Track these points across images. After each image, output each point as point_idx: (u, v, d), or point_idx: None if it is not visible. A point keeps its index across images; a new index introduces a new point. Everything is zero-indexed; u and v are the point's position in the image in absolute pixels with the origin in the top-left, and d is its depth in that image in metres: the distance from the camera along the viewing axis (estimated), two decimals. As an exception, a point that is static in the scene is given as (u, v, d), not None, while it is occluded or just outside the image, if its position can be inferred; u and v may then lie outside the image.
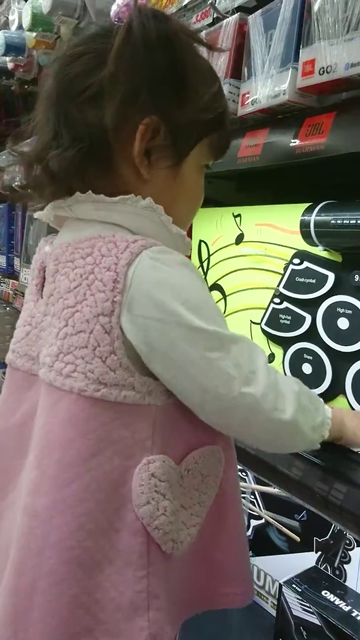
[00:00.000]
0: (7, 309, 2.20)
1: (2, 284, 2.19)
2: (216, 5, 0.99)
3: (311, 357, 0.92)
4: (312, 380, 0.93)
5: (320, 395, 0.91)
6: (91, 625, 0.53)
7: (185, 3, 1.09)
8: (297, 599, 0.92)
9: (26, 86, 2.24)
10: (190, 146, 0.60)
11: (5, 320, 2.11)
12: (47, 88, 0.58)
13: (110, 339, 0.53)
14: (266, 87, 0.82)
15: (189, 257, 1.26)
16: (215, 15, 0.99)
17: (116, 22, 0.56)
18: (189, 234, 1.27)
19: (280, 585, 0.95)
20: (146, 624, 0.54)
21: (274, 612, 1.02)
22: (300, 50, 0.76)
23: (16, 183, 2.01)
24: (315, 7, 0.73)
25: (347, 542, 1.00)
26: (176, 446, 0.59)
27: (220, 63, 0.94)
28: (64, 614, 0.52)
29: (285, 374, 0.98)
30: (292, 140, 0.80)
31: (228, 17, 0.94)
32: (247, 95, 0.88)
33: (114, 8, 0.56)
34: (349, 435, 0.67)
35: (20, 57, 2.01)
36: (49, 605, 0.53)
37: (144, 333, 0.53)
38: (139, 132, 0.56)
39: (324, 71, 0.71)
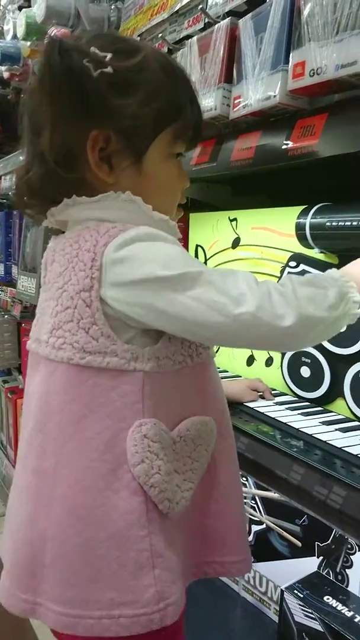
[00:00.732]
0: (5, 316, 2.19)
1: (0, 292, 2.19)
2: (207, 10, 0.99)
3: (309, 360, 0.92)
4: (311, 384, 0.92)
5: (319, 398, 0.91)
6: (95, 577, 0.58)
7: (177, 9, 1.10)
8: (299, 604, 0.91)
9: (22, 95, 2.25)
10: (146, 143, 0.63)
11: (4, 328, 2.11)
12: (25, 120, 0.66)
13: (90, 311, 0.59)
14: (257, 90, 0.82)
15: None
16: (206, 20, 1.00)
17: None
18: (185, 239, 1.28)
19: (282, 592, 0.94)
20: (152, 581, 0.58)
21: (276, 619, 1.01)
22: (291, 53, 0.76)
23: (13, 191, 2.01)
24: (305, 10, 0.73)
25: (349, 546, 0.99)
26: (168, 414, 0.63)
27: (214, 68, 0.94)
28: (68, 559, 0.58)
29: (284, 378, 0.97)
30: (285, 143, 0.80)
31: (219, 22, 0.94)
32: (238, 99, 0.88)
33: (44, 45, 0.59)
34: None
35: (16, 67, 2.02)
36: (56, 550, 0.59)
37: (130, 299, 0.58)
38: (89, 147, 0.61)
39: (314, 73, 0.71)
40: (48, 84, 0.59)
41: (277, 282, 0.60)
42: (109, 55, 0.60)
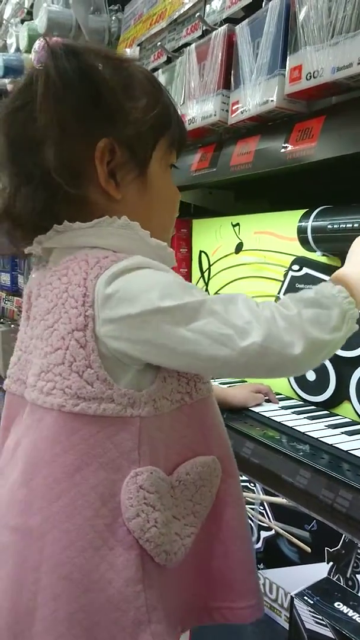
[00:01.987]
0: (12, 326, 2.21)
1: (7, 302, 2.21)
2: (205, 17, 1.00)
3: (314, 364, 0.91)
4: (316, 387, 0.92)
5: (325, 401, 0.90)
6: None
7: (175, 17, 1.11)
8: (310, 611, 0.90)
9: None
10: (149, 152, 0.61)
11: (11, 337, 2.12)
12: (1, 145, 0.60)
13: (85, 352, 0.54)
14: (255, 95, 0.82)
15: (189, 268, 1.26)
16: (204, 28, 1.00)
17: (39, 67, 0.57)
18: (189, 245, 1.28)
19: (292, 598, 0.93)
20: (150, 637, 0.54)
21: (287, 626, 1.00)
22: (287, 57, 0.77)
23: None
24: (300, 15, 0.73)
25: (359, 551, 0.98)
26: (167, 456, 0.59)
27: (212, 75, 0.95)
28: (61, 629, 0.52)
29: (290, 382, 0.97)
30: (283, 146, 0.80)
31: (217, 29, 0.95)
32: (236, 104, 0.88)
33: (33, 54, 0.58)
34: None
35: (19, 79, 2.04)
36: (47, 619, 0.53)
37: (127, 335, 0.54)
38: (97, 159, 0.57)
39: (311, 76, 0.71)
40: (57, 88, 0.54)
41: (277, 302, 0.57)
42: (108, 59, 0.58)
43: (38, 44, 0.52)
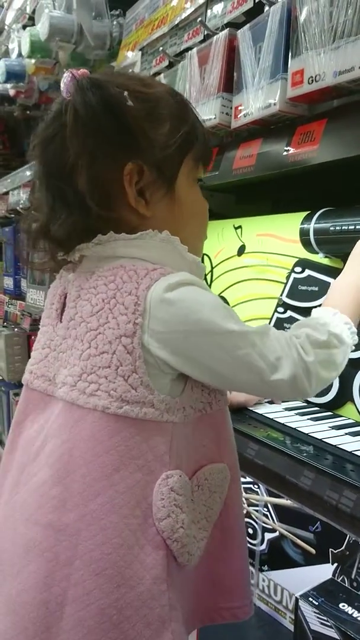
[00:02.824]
0: (15, 329, 2.21)
1: (10, 305, 2.21)
2: (207, 22, 1.01)
3: (317, 365, 0.91)
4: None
5: (328, 403, 0.90)
6: None
7: (177, 22, 1.12)
8: (315, 612, 0.90)
9: (28, 111, 2.29)
10: (176, 169, 0.63)
11: (14, 341, 2.12)
12: (35, 171, 0.65)
13: (132, 358, 0.57)
14: (257, 98, 0.83)
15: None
16: (205, 32, 1.01)
17: (67, 97, 0.59)
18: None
19: (297, 599, 0.93)
20: (171, 636, 0.56)
21: (292, 628, 1.00)
22: (289, 61, 0.77)
23: (21, 205, 2.04)
24: (302, 19, 0.74)
25: (364, 552, 0.98)
26: (188, 463, 0.62)
27: (212, 78, 0.96)
28: (91, 624, 0.54)
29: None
30: (285, 149, 0.80)
31: (218, 33, 0.95)
32: (239, 108, 0.89)
33: (62, 86, 0.61)
34: None
35: (21, 84, 2.06)
36: (77, 614, 0.54)
37: (173, 347, 0.57)
38: (126, 181, 0.60)
39: (312, 80, 0.72)
40: (85, 121, 0.58)
41: (298, 340, 0.62)
42: (131, 88, 0.60)
43: (65, 76, 0.55)
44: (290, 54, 0.77)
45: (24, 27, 1.91)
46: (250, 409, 0.91)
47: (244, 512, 1.21)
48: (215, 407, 0.64)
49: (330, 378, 0.65)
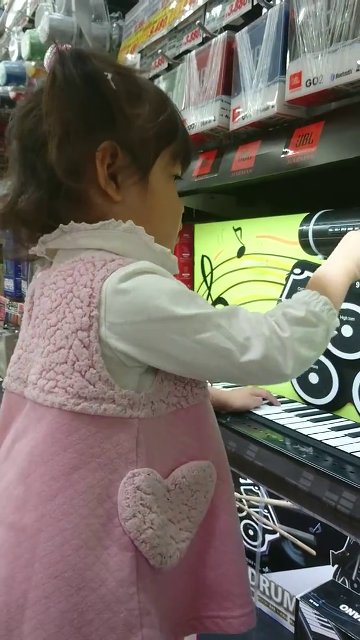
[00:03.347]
0: (16, 331, 2.21)
1: (10, 307, 2.21)
2: (205, 25, 1.01)
3: (317, 367, 0.92)
4: (320, 390, 0.92)
5: (328, 404, 0.90)
6: None
7: (175, 25, 1.12)
8: (315, 614, 0.90)
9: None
10: (151, 159, 0.62)
11: (14, 343, 2.12)
12: (13, 148, 0.62)
13: (88, 352, 0.55)
14: (255, 101, 0.83)
15: (191, 272, 1.27)
16: (204, 35, 1.01)
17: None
18: (191, 250, 1.29)
19: (297, 601, 0.93)
20: None
21: (293, 629, 1.00)
22: (287, 64, 0.77)
23: None
24: (299, 22, 0.74)
25: (364, 553, 0.98)
26: (163, 460, 0.59)
27: (211, 81, 0.96)
28: (51, 628, 0.52)
29: (293, 385, 0.97)
30: (283, 151, 0.81)
31: (217, 36, 0.95)
32: (237, 110, 0.89)
33: (46, 61, 0.59)
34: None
35: (21, 86, 2.06)
36: (37, 618, 0.53)
37: (132, 338, 0.55)
38: (98, 159, 0.58)
39: (310, 83, 0.72)
40: (62, 90, 0.56)
41: (272, 318, 0.60)
42: (115, 65, 0.60)
43: (50, 49, 0.53)
44: (288, 57, 0.77)
45: (24, 29, 1.92)
46: (250, 410, 0.91)
47: (244, 513, 1.21)
48: (192, 400, 0.61)
49: (310, 357, 0.61)
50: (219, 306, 1.15)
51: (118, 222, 0.59)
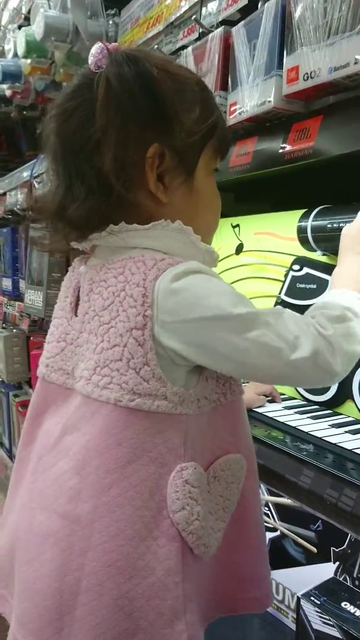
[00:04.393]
0: (14, 330, 2.21)
1: (8, 307, 2.21)
2: (202, 20, 1.00)
3: (316, 363, 0.91)
4: (320, 387, 0.92)
5: (328, 401, 0.90)
6: (133, 630, 0.55)
7: (172, 20, 1.11)
8: (317, 611, 0.90)
9: (25, 112, 2.28)
10: (196, 158, 0.62)
11: (13, 342, 2.12)
12: (51, 145, 0.61)
13: (143, 351, 0.56)
14: (252, 96, 0.82)
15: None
16: (200, 30, 1.01)
17: (96, 71, 0.58)
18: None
19: (299, 599, 0.93)
20: (184, 627, 0.57)
21: (294, 627, 1.00)
22: (284, 58, 0.77)
23: (18, 206, 2.04)
24: (296, 15, 0.73)
25: (365, 550, 0.97)
26: (203, 454, 0.61)
27: (209, 77, 0.95)
28: (104, 613, 0.55)
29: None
30: (281, 146, 0.80)
31: (213, 31, 0.95)
32: (234, 106, 0.89)
33: (90, 59, 0.58)
34: None
35: (17, 84, 2.05)
36: (91, 604, 0.55)
37: (183, 337, 0.56)
38: (148, 165, 0.59)
39: (308, 77, 0.72)
40: (115, 92, 0.56)
41: (312, 319, 0.60)
42: (165, 68, 0.59)
43: (96, 48, 0.52)
44: (285, 51, 0.77)
45: (20, 27, 1.91)
46: (251, 408, 0.90)
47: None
48: (229, 397, 0.63)
49: (355, 351, 0.61)
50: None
51: (167, 222, 0.60)
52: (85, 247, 0.64)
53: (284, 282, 1.01)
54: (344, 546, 1.00)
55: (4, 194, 2.24)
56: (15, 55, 1.91)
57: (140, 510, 0.56)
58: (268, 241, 1.06)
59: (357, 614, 0.88)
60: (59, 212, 0.60)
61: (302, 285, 0.96)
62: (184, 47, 1.07)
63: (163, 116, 0.58)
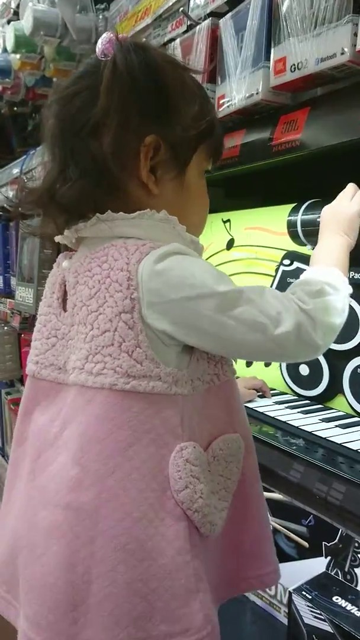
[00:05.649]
0: (5, 328, 2.20)
1: (-1, 304, 2.20)
2: (190, 12, 0.99)
3: (307, 358, 0.91)
4: (310, 381, 0.91)
5: (319, 395, 0.90)
6: (149, 612, 0.55)
7: (160, 13, 1.10)
8: (308, 606, 0.90)
9: (15, 108, 2.27)
10: (190, 155, 0.63)
11: (5, 339, 2.11)
12: (50, 127, 0.62)
13: (134, 333, 0.57)
14: (240, 88, 0.82)
15: None
16: (188, 23, 1.00)
17: (102, 59, 0.58)
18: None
19: (290, 594, 0.92)
20: (199, 606, 0.57)
21: (287, 622, 1.00)
22: (271, 49, 0.76)
23: (9, 201, 2.02)
24: (283, 6, 0.73)
25: (357, 544, 0.97)
26: (201, 434, 0.62)
27: (198, 69, 0.94)
28: (119, 598, 0.55)
29: (284, 377, 0.97)
30: (269, 138, 0.79)
31: (201, 23, 0.94)
32: (223, 99, 0.88)
33: (98, 47, 0.59)
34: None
35: (7, 80, 2.03)
36: (104, 590, 0.55)
37: (170, 317, 0.57)
38: (143, 153, 0.60)
39: (295, 68, 0.71)
40: (122, 77, 0.57)
41: (293, 295, 0.62)
42: (171, 60, 0.61)
43: (104, 37, 0.53)
44: (272, 42, 0.76)
45: (9, 22, 1.89)
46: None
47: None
48: (222, 378, 0.64)
49: (336, 324, 0.63)
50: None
51: (153, 212, 0.61)
52: (70, 239, 0.65)
53: (274, 276, 1.01)
54: (336, 541, 1.00)
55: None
56: (5, 50, 1.90)
57: (145, 492, 0.56)
58: (259, 236, 1.06)
59: (348, 608, 0.88)
60: (50, 191, 0.61)
61: (293, 280, 0.95)
62: (172, 39, 1.06)
63: (164, 107, 0.59)
